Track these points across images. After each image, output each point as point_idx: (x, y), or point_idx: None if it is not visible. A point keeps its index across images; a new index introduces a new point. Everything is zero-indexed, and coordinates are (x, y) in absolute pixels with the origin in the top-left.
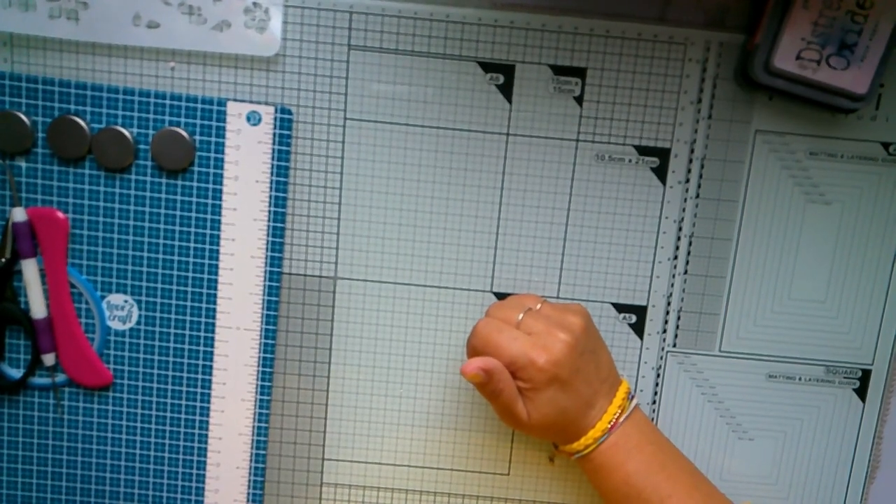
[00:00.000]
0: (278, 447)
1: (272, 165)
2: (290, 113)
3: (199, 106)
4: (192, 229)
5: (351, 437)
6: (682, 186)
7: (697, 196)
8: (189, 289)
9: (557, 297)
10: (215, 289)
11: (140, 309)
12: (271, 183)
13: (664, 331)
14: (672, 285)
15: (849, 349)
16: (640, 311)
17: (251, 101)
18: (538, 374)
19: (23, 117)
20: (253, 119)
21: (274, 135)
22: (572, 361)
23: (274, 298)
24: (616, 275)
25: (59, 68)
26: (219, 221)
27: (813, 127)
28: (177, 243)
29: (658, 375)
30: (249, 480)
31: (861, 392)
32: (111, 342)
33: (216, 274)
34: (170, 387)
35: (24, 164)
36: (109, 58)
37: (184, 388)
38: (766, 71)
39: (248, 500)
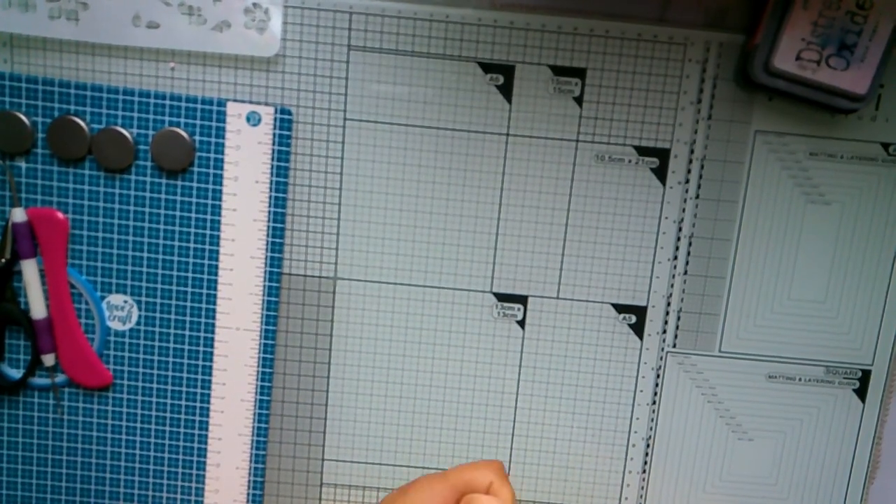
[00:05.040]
0: (278, 447)
1: (272, 166)
2: (289, 113)
3: (199, 106)
4: (192, 229)
5: (351, 437)
6: (682, 187)
7: (697, 196)
8: (189, 289)
9: (557, 298)
10: (215, 289)
11: (140, 309)
12: (271, 183)
13: (664, 331)
14: (672, 286)
15: (849, 349)
16: (640, 312)
17: (251, 102)
18: None
19: (23, 117)
20: (253, 119)
21: (274, 135)
22: None
23: (274, 299)
24: (616, 275)
25: (59, 68)
26: (219, 222)
27: (813, 127)
28: (177, 243)
29: (658, 376)
30: (249, 480)
31: (861, 392)
32: (111, 342)
33: (216, 274)
34: (170, 387)
35: (23, 165)
36: (109, 58)
37: (184, 388)
38: (765, 71)
39: (247, 501)
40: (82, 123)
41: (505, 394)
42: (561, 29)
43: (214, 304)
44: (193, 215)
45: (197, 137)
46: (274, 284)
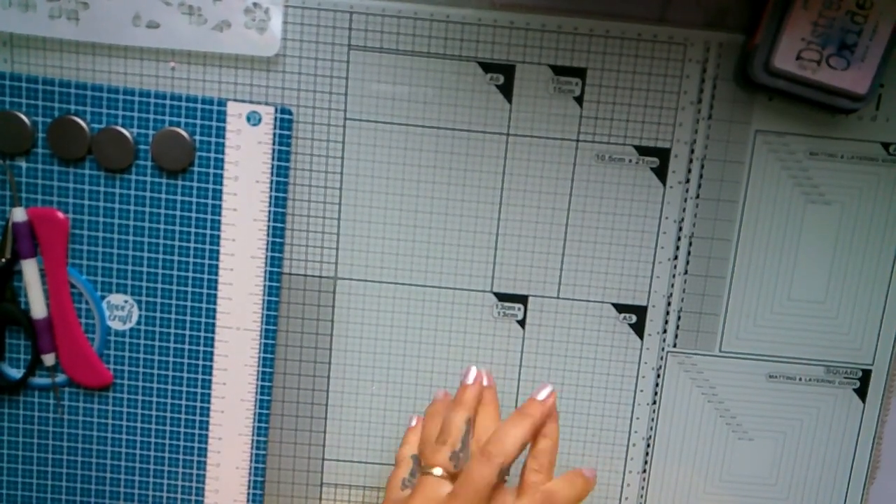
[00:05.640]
0: (278, 447)
1: (272, 165)
2: (290, 113)
3: (199, 106)
4: (192, 229)
5: (351, 437)
6: (682, 187)
7: (697, 196)
8: (189, 289)
9: (558, 298)
10: (215, 289)
11: (140, 309)
12: (271, 183)
13: (664, 331)
14: (672, 285)
15: (849, 349)
16: (641, 312)
17: (251, 102)
18: None
19: (23, 117)
20: (253, 119)
21: (274, 135)
22: None
23: (274, 299)
24: (616, 275)
25: (59, 68)
26: (219, 221)
27: (813, 127)
28: (177, 243)
29: (658, 376)
30: (249, 480)
31: (861, 392)
32: (111, 342)
33: (216, 274)
34: (170, 387)
35: (24, 165)
36: (109, 58)
37: (184, 388)
38: (765, 71)
39: (248, 501)
40: (82, 123)
41: (505, 394)
42: (561, 29)
43: (214, 304)
44: (193, 215)
45: (197, 137)
46: (274, 284)
